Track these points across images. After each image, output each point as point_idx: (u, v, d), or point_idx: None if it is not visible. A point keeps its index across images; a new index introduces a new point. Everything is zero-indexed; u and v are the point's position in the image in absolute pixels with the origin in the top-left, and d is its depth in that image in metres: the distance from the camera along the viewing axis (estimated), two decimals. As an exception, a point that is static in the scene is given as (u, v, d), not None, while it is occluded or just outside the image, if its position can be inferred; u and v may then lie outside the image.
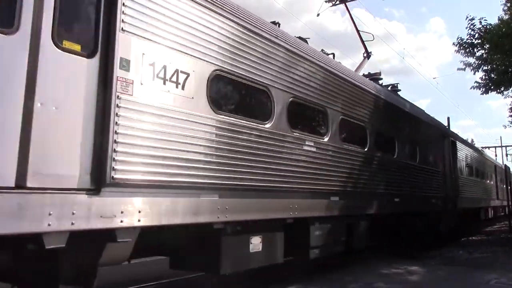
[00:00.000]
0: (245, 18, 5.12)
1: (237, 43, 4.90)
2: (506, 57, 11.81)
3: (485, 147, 40.27)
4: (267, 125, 5.28)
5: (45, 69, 3.11)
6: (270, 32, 5.56)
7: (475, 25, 12.52)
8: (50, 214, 3.01)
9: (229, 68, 4.74)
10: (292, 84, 5.79)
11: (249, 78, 5.06)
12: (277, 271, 6.37)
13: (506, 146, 44.11)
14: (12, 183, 2.88)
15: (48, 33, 3.16)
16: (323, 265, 7.46)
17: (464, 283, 6.55)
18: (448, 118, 27.86)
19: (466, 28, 12.68)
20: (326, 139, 6.46)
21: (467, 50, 12.93)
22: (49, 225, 3.00)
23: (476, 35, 12.57)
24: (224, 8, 4.77)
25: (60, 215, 3.07)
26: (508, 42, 11.17)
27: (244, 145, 4.82)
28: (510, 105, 16.56)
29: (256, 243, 5.18)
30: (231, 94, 5.08)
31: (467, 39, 12.78)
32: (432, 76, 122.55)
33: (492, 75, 13.05)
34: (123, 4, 3.62)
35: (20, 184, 2.92)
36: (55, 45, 3.20)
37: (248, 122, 4.95)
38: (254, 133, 5.00)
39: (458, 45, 13.00)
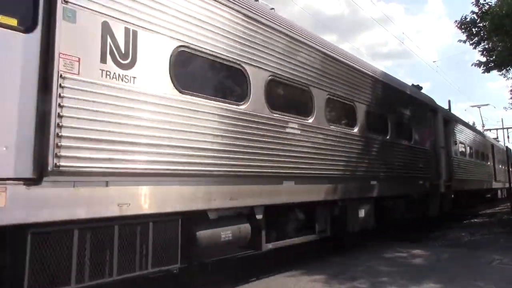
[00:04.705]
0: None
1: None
2: (509, 39, 11.56)
3: (487, 130, 40.08)
4: None
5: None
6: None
7: (479, 1, 12.37)
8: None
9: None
10: None
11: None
12: (282, 253, 6.47)
13: (507, 128, 43.90)
14: None
15: None
16: (328, 248, 7.56)
17: (466, 264, 6.62)
18: (449, 101, 27.57)
19: (472, 3, 12.55)
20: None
21: (469, 29, 12.80)
22: None
23: (479, 12, 12.44)
24: None
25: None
26: (509, 23, 10.92)
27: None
28: (511, 87, 16.43)
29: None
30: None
31: (470, 17, 12.67)
32: (432, 59, 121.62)
33: (493, 54, 12.92)
34: None
35: None
36: None
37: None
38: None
39: (459, 23, 12.87)
